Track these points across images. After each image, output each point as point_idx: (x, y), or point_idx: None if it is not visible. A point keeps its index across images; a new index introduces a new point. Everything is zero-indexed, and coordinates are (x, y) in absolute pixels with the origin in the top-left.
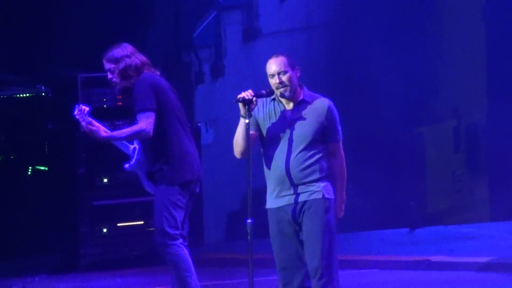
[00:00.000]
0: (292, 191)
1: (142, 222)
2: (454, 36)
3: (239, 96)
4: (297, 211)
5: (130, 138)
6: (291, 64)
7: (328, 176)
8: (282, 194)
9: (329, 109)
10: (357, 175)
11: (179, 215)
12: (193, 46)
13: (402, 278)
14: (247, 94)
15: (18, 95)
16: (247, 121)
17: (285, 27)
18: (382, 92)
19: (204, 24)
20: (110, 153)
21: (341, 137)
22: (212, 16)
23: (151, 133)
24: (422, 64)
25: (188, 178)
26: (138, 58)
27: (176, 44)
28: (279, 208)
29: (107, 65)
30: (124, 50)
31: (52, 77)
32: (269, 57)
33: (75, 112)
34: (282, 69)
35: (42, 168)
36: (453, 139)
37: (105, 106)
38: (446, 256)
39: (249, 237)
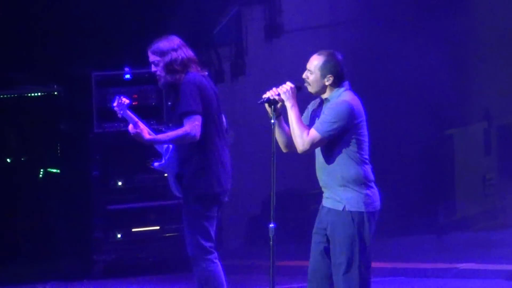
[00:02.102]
0: (323, 193)
1: (158, 228)
2: (485, 34)
3: (263, 96)
4: (324, 214)
5: (175, 142)
6: (323, 69)
7: (351, 183)
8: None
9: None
10: (384, 179)
11: (211, 226)
12: (213, 43)
13: (428, 286)
14: (272, 93)
15: (29, 94)
16: (273, 121)
17: (309, 24)
18: (410, 93)
19: (225, 21)
20: (125, 155)
21: (321, 129)
22: (233, 12)
23: (198, 137)
24: (452, 63)
25: (217, 190)
26: (185, 52)
27: (195, 41)
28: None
29: (152, 57)
30: (171, 43)
31: (65, 76)
32: (292, 54)
33: (114, 104)
34: (311, 69)
35: (54, 170)
36: (484, 141)
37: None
38: (474, 263)
39: (271, 243)
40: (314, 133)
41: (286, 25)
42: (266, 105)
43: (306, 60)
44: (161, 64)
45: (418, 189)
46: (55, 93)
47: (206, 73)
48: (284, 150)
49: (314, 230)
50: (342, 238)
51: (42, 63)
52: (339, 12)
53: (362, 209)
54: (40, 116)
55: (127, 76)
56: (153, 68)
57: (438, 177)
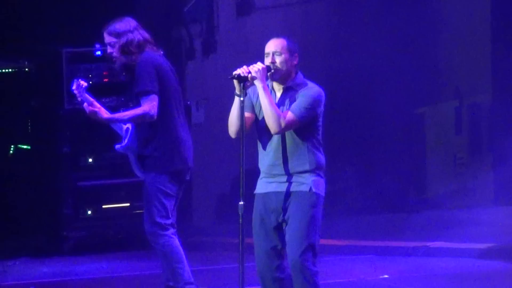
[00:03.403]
0: (280, 180)
1: (128, 204)
2: (456, 12)
3: (234, 72)
4: (274, 201)
5: (133, 121)
6: (290, 49)
7: (316, 168)
8: (271, 180)
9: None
10: (354, 157)
11: (170, 204)
12: (184, 21)
13: (399, 264)
14: (243, 71)
15: (0, 71)
16: (241, 99)
17: (280, 1)
18: (380, 71)
19: None
20: (96, 132)
21: (298, 114)
22: None
23: (155, 117)
24: (423, 41)
25: (179, 166)
26: (141, 34)
27: (166, 19)
28: (266, 193)
29: (108, 39)
30: (127, 24)
31: (36, 52)
32: (264, 32)
33: (73, 87)
34: (278, 50)
35: (25, 146)
36: (455, 120)
37: (90, 82)
38: (445, 242)
39: (240, 220)
40: (292, 116)
41: (257, 3)
42: (236, 81)
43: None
44: (117, 46)
45: (389, 168)
46: (26, 69)
47: (161, 52)
48: (233, 135)
49: (257, 220)
50: (305, 218)
51: (12, 40)
52: None
53: (322, 193)
54: (11, 93)
55: (98, 52)
56: (109, 50)
57: (409, 156)
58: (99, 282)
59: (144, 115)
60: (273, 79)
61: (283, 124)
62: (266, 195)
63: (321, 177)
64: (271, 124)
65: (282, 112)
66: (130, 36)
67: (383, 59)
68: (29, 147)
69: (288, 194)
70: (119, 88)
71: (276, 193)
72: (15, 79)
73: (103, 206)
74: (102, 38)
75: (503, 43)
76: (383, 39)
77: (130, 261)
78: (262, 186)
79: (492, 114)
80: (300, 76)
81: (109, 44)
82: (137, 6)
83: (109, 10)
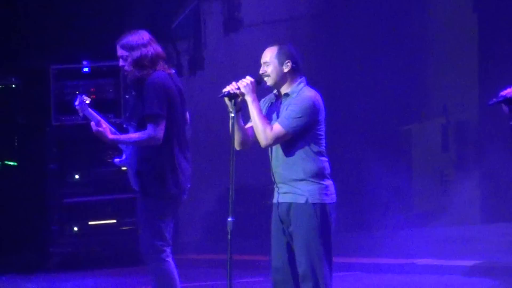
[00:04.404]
0: (281, 189)
1: (114, 221)
2: (445, 30)
3: (224, 90)
4: (283, 211)
5: (139, 144)
6: (280, 58)
7: (312, 176)
8: (277, 189)
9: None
10: (341, 172)
11: (165, 226)
12: (171, 38)
13: (385, 281)
14: (232, 87)
15: None
16: (232, 115)
17: (268, 18)
18: (367, 87)
19: (183, 15)
20: (83, 148)
21: (286, 124)
22: (191, 6)
23: (161, 141)
24: (410, 58)
25: (173, 191)
26: (154, 48)
27: (153, 35)
28: (276, 203)
29: (121, 52)
30: (141, 38)
31: (23, 68)
32: (251, 49)
33: (76, 103)
34: (267, 60)
35: (11, 163)
36: (442, 137)
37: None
38: (431, 259)
39: (229, 236)
40: (279, 128)
41: (244, 20)
42: (226, 99)
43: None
44: (130, 59)
45: (376, 184)
46: (13, 86)
47: (173, 71)
48: (237, 147)
49: (273, 231)
50: (306, 230)
51: (0, 56)
52: (298, 6)
53: (325, 200)
54: None
55: (85, 69)
56: (121, 63)
57: (395, 173)
58: None
59: (149, 139)
60: (270, 85)
61: (270, 137)
62: (275, 205)
63: (322, 183)
64: (259, 137)
65: (276, 118)
66: (143, 50)
67: (371, 75)
68: (15, 164)
69: (288, 204)
70: (107, 104)
71: (281, 204)
72: (2, 96)
73: (90, 223)
74: (90, 55)
75: (490, 60)
76: (371, 56)
77: (116, 278)
78: (274, 196)
79: (479, 131)
80: (298, 82)
81: (122, 57)
82: (125, 22)
83: (97, 27)
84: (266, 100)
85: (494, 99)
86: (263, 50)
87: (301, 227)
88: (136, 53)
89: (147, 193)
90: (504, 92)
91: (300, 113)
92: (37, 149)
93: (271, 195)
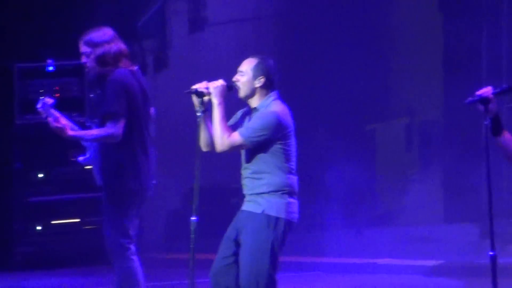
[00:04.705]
0: (247, 198)
1: (78, 220)
2: (409, 29)
3: (192, 87)
4: (241, 219)
5: (98, 141)
6: (255, 72)
7: (275, 191)
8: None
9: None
10: (305, 172)
11: (130, 223)
12: (137, 36)
13: (347, 281)
14: (201, 86)
15: None
16: (199, 114)
17: (234, 17)
18: (332, 87)
19: (149, 14)
20: (47, 147)
21: (245, 135)
22: (157, 5)
23: (120, 139)
24: (374, 58)
25: (135, 188)
26: (118, 46)
27: (119, 33)
28: (239, 211)
29: (84, 48)
30: (105, 35)
31: None
32: (216, 48)
33: (39, 106)
34: (243, 70)
35: None
36: (405, 137)
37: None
38: (393, 259)
39: (192, 235)
40: (236, 137)
41: (210, 19)
42: (194, 96)
43: (230, 53)
44: (92, 56)
45: (339, 184)
46: None
47: (136, 67)
48: (204, 148)
49: (226, 233)
50: (255, 241)
51: None
52: (263, 6)
53: (281, 215)
54: None
55: (50, 68)
56: (84, 59)
57: (358, 173)
58: None
59: (109, 137)
60: (240, 96)
61: (226, 143)
62: (239, 212)
63: (283, 200)
64: (215, 141)
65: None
66: (106, 47)
67: (335, 75)
68: None
69: (247, 213)
70: (71, 103)
71: (242, 212)
72: None
73: (53, 222)
74: (54, 53)
75: (455, 61)
76: (334, 56)
77: (80, 277)
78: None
79: (442, 131)
80: (268, 97)
81: (85, 53)
82: (91, 20)
83: (62, 26)
84: (241, 111)
85: (471, 98)
86: (228, 49)
87: (252, 236)
88: (99, 50)
89: (109, 190)
90: (480, 92)
91: (262, 127)
92: (1, 149)
93: (236, 195)
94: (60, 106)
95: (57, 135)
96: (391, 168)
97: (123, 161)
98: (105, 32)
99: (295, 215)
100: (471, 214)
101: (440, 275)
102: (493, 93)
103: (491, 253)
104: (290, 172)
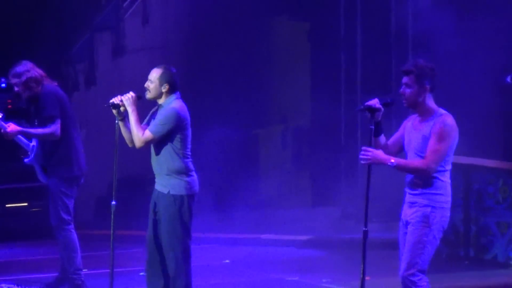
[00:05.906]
0: (157, 179)
1: (26, 204)
2: (285, 54)
3: (110, 101)
4: (155, 196)
5: (41, 138)
6: (161, 79)
7: (174, 172)
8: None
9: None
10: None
11: (70, 203)
12: (71, 60)
13: (238, 252)
14: (116, 99)
15: None
16: (116, 121)
17: (146, 46)
18: (226, 101)
19: (80, 43)
20: (1, 148)
21: (153, 130)
22: (87, 36)
23: (59, 136)
24: (259, 77)
25: (77, 173)
26: (37, 71)
27: (57, 58)
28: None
29: (13, 81)
30: (24, 66)
31: None
32: (134, 69)
33: None
34: (151, 79)
35: None
36: (282, 139)
37: (9, 106)
38: (273, 234)
39: (112, 216)
40: (147, 133)
41: (128, 47)
42: (112, 108)
43: (144, 74)
44: (20, 84)
45: (233, 171)
46: None
47: (56, 83)
48: (129, 144)
49: (150, 211)
50: (167, 217)
51: None
52: (170, 37)
53: (183, 192)
54: None
55: (3, 85)
56: (15, 88)
57: (249, 169)
58: (2, 265)
59: (50, 134)
60: (148, 97)
61: (141, 140)
62: (153, 191)
63: (182, 179)
64: (133, 139)
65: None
66: (28, 74)
67: (229, 92)
68: None
69: (158, 192)
70: (21, 113)
71: (155, 190)
72: None
73: (6, 205)
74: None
75: (320, 79)
76: (226, 75)
77: (28, 248)
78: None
79: (311, 134)
80: (172, 97)
81: (15, 84)
82: (34, 47)
83: (10, 50)
84: (152, 111)
85: (361, 107)
86: (143, 71)
87: (164, 214)
88: (23, 78)
89: (59, 177)
90: (368, 103)
91: (164, 121)
92: None
93: (148, 184)
94: (12, 115)
95: (7, 139)
96: (272, 164)
97: (65, 153)
98: (24, 64)
99: (195, 188)
100: (332, 199)
101: (310, 247)
102: (380, 104)
103: (364, 229)
104: (185, 157)
